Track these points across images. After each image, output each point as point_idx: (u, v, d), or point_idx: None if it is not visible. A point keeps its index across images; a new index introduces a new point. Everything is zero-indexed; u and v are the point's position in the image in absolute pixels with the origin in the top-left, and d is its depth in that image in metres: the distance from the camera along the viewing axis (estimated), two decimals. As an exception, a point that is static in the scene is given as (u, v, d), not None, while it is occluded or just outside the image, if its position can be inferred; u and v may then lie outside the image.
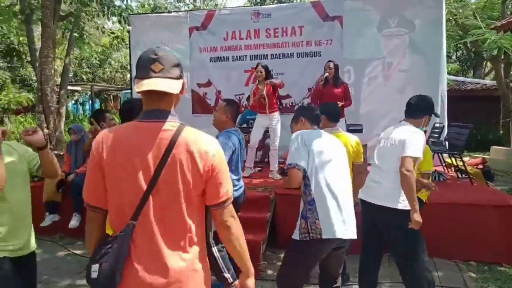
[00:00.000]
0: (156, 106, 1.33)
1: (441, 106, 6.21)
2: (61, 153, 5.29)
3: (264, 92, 5.05)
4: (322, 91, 5.19)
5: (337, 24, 6.50)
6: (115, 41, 9.80)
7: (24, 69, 16.00)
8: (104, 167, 1.30)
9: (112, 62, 19.52)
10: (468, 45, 14.76)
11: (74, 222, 4.43)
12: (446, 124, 6.15)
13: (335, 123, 3.23)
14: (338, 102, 4.97)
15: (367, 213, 2.82)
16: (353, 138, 3.18)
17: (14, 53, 14.17)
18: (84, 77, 17.85)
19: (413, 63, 6.28)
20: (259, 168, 5.86)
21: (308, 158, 2.26)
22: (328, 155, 2.32)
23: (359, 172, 3.29)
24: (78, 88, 15.74)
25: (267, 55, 6.82)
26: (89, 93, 16.45)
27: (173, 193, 1.29)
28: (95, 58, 18.00)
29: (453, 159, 5.80)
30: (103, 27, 7.82)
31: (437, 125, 6.05)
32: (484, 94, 12.42)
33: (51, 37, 6.63)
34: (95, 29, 8.24)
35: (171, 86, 1.29)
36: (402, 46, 6.33)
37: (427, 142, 5.31)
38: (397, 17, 6.29)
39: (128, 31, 7.42)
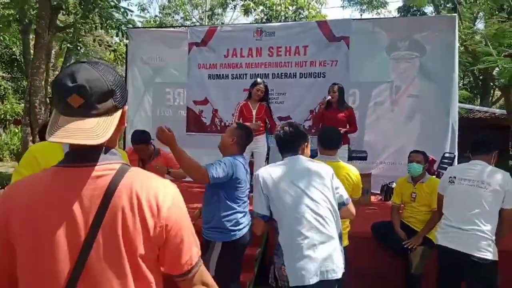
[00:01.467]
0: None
1: (452, 134, 5.81)
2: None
3: (255, 111, 4.69)
4: (324, 115, 4.84)
5: (343, 45, 6.19)
6: (119, 56, 9.57)
7: (25, 80, 15.87)
8: (12, 239, 0.88)
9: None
10: (476, 72, 14.43)
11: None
12: (456, 154, 5.73)
13: (333, 151, 2.80)
14: (340, 128, 4.60)
15: (446, 260, 2.63)
16: (354, 171, 2.75)
17: (16, 64, 14.03)
18: None
19: (423, 88, 5.91)
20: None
21: (270, 202, 2.04)
22: (296, 191, 2.00)
23: (356, 206, 2.88)
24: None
25: (268, 74, 6.50)
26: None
27: (114, 266, 0.88)
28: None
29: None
30: (100, 40, 7.58)
31: (447, 155, 5.64)
32: (493, 123, 12.01)
33: (44, 47, 6.36)
34: (92, 42, 8.01)
35: (95, 131, 0.86)
36: (412, 70, 5.98)
37: (437, 175, 4.93)
38: (408, 41, 5.96)
39: (126, 45, 7.16)
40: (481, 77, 15.46)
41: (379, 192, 5.66)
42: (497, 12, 10.46)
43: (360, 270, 3.07)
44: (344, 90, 4.93)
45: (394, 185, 5.55)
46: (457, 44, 5.99)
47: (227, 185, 2.46)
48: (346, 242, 2.70)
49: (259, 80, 4.90)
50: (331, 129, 3.12)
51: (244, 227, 2.56)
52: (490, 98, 16.93)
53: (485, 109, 13.32)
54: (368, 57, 6.08)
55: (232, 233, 2.49)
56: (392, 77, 6.06)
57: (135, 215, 0.89)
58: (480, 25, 14.69)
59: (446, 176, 2.73)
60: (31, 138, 6.30)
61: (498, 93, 18.04)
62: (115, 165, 0.93)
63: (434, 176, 3.68)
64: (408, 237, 3.34)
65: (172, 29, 7.51)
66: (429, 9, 14.83)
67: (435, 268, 2.75)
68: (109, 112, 0.90)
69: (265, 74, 6.51)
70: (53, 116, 0.90)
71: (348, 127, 4.78)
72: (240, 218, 2.53)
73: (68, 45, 7.70)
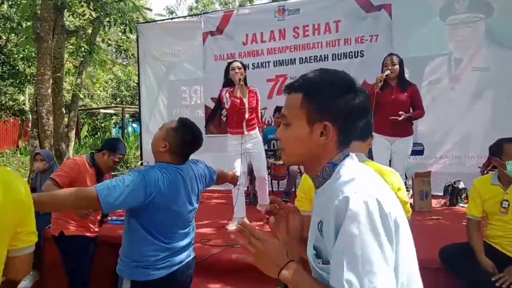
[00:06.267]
0: None
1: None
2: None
3: (246, 100, 3.60)
4: (379, 97, 3.52)
5: (384, 14, 5.04)
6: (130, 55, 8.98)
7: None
8: None
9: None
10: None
11: (25, 283, 3.32)
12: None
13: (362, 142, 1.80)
14: (400, 112, 3.48)
15: None
16: (394, 177, 1.76)
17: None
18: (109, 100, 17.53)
19: (493, 58, 4.61)
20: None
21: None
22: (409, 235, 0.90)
23: None
24: (111, 111, 15.40)
25: (294, 59, 5.51)
26: (127, 115, 16.13)
27: None
28: (133, 81, 17.74)
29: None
30: (109, 39, 7.01)
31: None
32: None
33: (48, 52, 5.84)
34: (101, 42, 7.49)
35: None
36: (476, 37, 4.70)
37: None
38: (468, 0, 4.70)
39: (137, 41, 6.51)
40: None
41: (441, 194, 4.45)
42: None
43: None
44: (403, 62, 3.69)
45: (461, 184, 4.35)
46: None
47: (142, 212, 1.62)
48: None
49: (233, 60, 3.82)
50: None
51: (169, 266, 1.69)
52: None
53: None
54: (417, 26, 4.89)
55: (146, 270, 1.64)
56: (449, 47, 4.83)
57: None
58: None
59: None
60: (40, 152, 5.79)
61: None
62: None
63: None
64: (499, 268, 2.21)
65: (183, 19, 6.75)
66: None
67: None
68: None
69: (291, 59, 5.54)
70: None
71: (411, 111, 3.61)
72: (157, 251, 1.67)
73: (85, 46, 7.16)
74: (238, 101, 3.52)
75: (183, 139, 1.73)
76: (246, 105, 3.62)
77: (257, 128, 3.82)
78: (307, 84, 0.93)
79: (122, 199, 1.49)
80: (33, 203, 1.46)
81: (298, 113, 0.92)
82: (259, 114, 3.92)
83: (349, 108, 0.90)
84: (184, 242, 1.76)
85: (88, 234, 2.75)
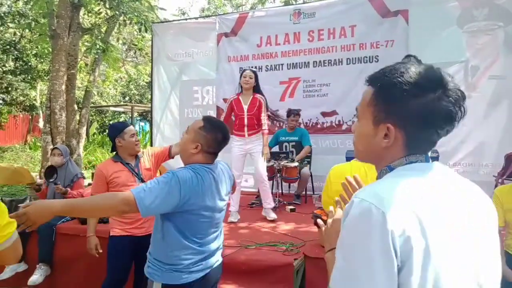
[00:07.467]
0: None
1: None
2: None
3: (246, 107, 3.90)
4: None
5: (401, 20, 5.02)
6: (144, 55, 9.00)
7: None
8: None
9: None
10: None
11: (36, 277, 3.32)
12: None
13: None
14: None
15: None
16: None
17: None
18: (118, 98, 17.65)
19: (510, 67, 4.56)
20: (293, 207, 4.43)
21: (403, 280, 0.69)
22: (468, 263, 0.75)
23: None
24: (121, 109, 15.49)
25: (308, 62, 5.49)
26: (136, 114, 16.21)
27: None
28: (143, 80, 17.84)
29: None
30: (124, 38, 7.05)
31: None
32: None
33: (63, 49, 5.89)
34: (115, 41, 7.53)
35: None
36: (494, 45, 4.66)
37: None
38: (487, 7, 4.66)
39: (151, 41, 6.54)
40: None
41: (456, 202, 4.40)
42: None
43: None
44: None
45: (476, 193, 4.30)
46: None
47: (177, 214, 1.61)
48: None
49: (245, 69, 4.09)
50: None
51: (198, 271, 1.67)
52: None
53: None
54: (434, 33, 4.85)
55: (179, 274, 1.63)
56: (466, 55, 4.78)
57: None
58: None
59: None
60: (51, 147, 5.82)
61: None
62: None
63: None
64: (521, 278, 2.18)
65: (198, 20, 6.77)
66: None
67: None
68: None
69: (304, 62, 5.53)
70: None
71: None
72: (191, 253, 1.65)
73: (100, 44, 7.19)
74: (239, 106, 3.88)
75: (214, 137, 1.72)
76: (245, 112, 3.86)
77: (259, 133, 3.96)
78: (381, 78, 0.83)
79: (159, 201, 1.48)
80: (74, 209, 1.49)
81: (366, 111, 0.85)
82: (264, 121, 3.93)
83: (427, 111, 0.78)
84: (215, 246, 1.74)
85: (137, 233, 2.57)
